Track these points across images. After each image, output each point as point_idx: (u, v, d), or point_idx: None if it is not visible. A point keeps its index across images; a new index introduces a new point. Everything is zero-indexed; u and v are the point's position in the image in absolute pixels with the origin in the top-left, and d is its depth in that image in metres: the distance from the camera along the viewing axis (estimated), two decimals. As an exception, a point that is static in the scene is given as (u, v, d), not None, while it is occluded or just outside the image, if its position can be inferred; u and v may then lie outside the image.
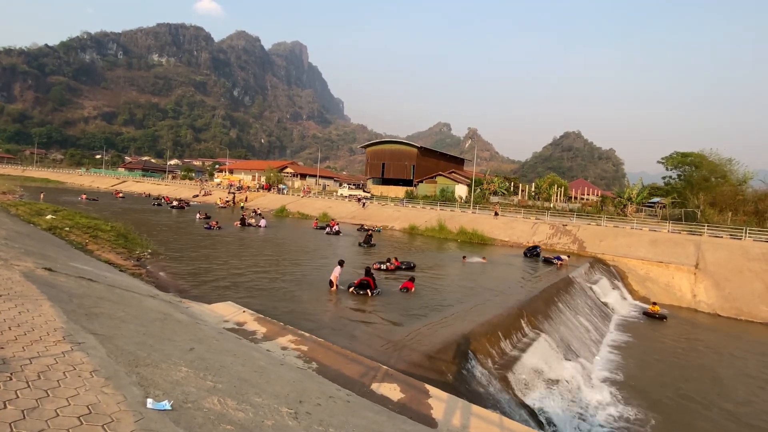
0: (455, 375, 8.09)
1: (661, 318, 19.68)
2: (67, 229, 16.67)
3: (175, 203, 42.49)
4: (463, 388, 7.75)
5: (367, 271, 13.38)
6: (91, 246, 14.87)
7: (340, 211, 43.45)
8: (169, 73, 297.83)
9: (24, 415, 2.57)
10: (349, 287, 12.86)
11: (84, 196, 43.09)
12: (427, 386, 6.69)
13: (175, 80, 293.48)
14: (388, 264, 17.33)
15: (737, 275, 23.10)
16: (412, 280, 14.17)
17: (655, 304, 20.78)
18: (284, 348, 7.46)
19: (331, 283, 13.09)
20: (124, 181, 78.16)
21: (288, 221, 38.94)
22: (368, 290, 12.54)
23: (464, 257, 22.23)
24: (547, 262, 23.31)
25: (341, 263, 13.68)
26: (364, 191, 63.89)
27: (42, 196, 34.97)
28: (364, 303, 11.85)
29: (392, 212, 41.93)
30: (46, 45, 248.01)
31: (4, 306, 4.63)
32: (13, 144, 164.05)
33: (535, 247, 25.60)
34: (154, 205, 43.37)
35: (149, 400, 3.14)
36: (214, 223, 26.81)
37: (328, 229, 29.96)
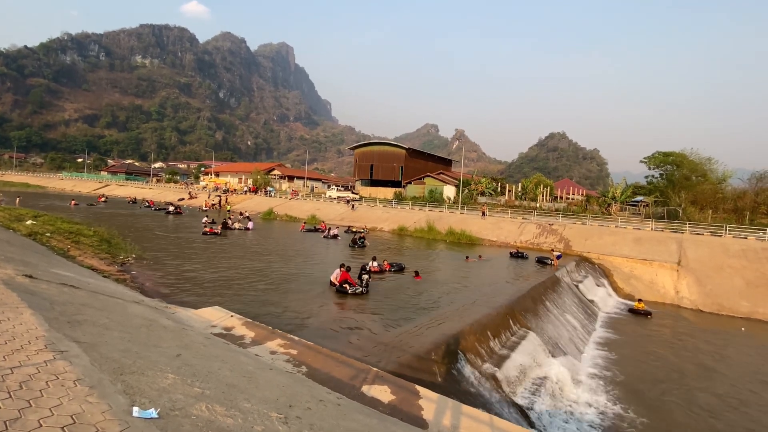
0: (445, 375, 8.13)
1: (646, 314, 20.07)
2: (49, 234, 16.27)
3: (171, 208, 40.31)
4: (453, 388, 7.79)
5: (360, 271, 13.55)
6: (74, 252, 14.55)
7: (328, 213, 43.31)
8: (153, 75, 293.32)
9: (6, 426, 2.50)
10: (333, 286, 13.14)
11: (73, 202, 41.91)
12: (418, 387, 6.70)
13: (158, 82, 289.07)
14: (371, 265, 17.20)
15: (718, 272, 23.68)
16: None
17: (640, 300, 21.17)
18: (273, 352, 7.40)
19: (331, 283, 13.54)
20: (107, 185, 76.69)
21: (276, 224, 38.66)
22: (346, 285, 12.80)
23: (467, 257, 23.30)
24: (541, 262, 23.05)
25: (342, 266, 13.96)
26: (352, 193, 63.81)
27: (18, 201, 33.44)
28: (353, 305, 11.83)
29: (381, 213, 41.96)
30: (25, 46, 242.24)
31: (-18, 315, 4.51)
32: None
33: (520, 253, 25.49)
34: (155, 209, 42.42)
35: (135, 409, 3.09)
36: (209, 229, 26.20)
37: (325, 233, 29.38)
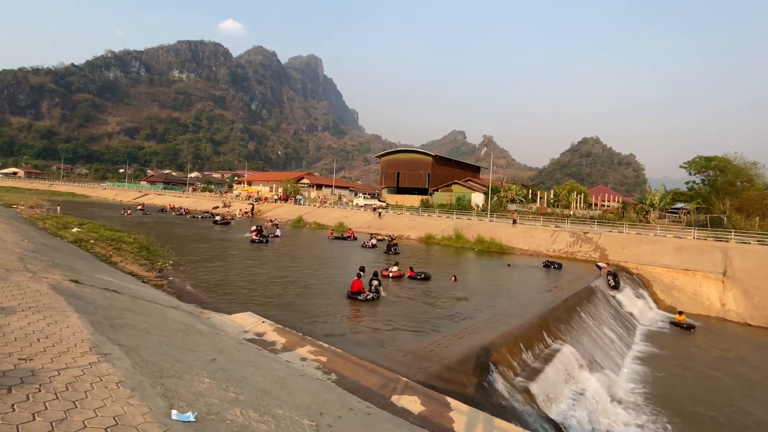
0: (476, 387, 7.93)
1: (689, 328, 19.00)
2: (92, 241, 17.13)
3: (218, 218, 40.46)
4: (484, 400, 7.59)
5: (372, 277, 13.78)
6: (115, 258, 15.23)
7: (356, 220, 43.55)
8: (189, 89, 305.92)
9: (53, 427, 2.61)
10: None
11: (128, 211, 43.81)
12: (448, 399, 6.57)
13: (194, 95, 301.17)
14: (384, 271, 17.13)
15: (767, 283, 22.21)
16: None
17: (681, 313, 20.10)
18: (303, 359, 7.44)
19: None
20: (147, 194, 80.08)
21: (305, 231, 39.20)
22: (358, 296, 13.00)
23: (509, 264, 24.48)
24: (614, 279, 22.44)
25: (362, 270, 14.23)
26: (379, 200, 63.99)
27: (59, 209, 34.95)
28: (382, 313, 11.79)
29: (408, 221, 41.81)
30: (72, 64, 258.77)
31: (33, 318, 4.76)
32: (41, 160, 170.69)
33: (554, 263, 24.68)
34: (202, 217, 44.13)
35: (174, 412, 3.16)
36: (254, 235, 27.21)
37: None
